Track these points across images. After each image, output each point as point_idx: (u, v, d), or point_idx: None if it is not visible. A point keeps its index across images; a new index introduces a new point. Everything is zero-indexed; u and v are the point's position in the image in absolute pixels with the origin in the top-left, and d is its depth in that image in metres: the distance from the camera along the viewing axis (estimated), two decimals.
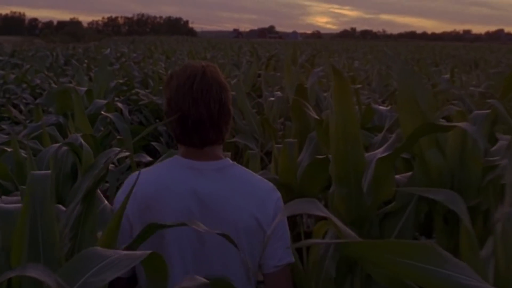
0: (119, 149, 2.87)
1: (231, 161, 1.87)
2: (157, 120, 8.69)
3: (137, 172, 1.64)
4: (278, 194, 1.85)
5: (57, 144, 3.06)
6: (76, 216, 1.56)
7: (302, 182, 3.14)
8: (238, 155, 5.60)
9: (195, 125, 1.76)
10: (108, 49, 6.07)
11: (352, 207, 2.33)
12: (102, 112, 5.00)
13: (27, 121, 5.76)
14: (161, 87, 8.88)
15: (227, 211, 1.76)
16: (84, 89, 5.46)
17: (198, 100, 1.75)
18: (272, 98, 5.96)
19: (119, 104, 6.60)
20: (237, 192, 1.79)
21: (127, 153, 3.31)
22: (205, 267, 1.75)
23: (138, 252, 1.15)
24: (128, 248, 1.37)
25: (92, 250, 1.16)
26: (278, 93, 6.45)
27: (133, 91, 8.52)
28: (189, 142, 1.81)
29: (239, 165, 1.88)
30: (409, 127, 2.36)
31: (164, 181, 1.79)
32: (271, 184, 1.88)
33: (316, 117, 3.50)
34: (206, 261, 1.76)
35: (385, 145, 2.45)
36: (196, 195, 1.75)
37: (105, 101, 5.25)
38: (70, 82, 8.25)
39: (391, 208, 2.36)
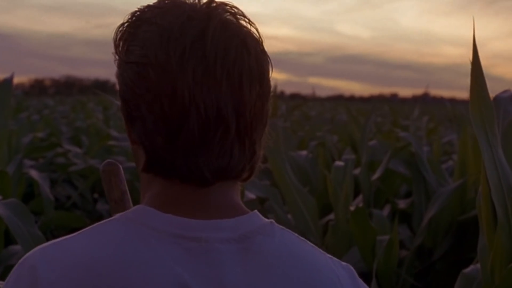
0: None
1: (262, 217, 0.85)
2: (96, 195, 5.75)
3: (42, 246, 0.79)
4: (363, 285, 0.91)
5: None
6: None
7: None
8: None
9: (204, 128, 0.77)
10: (13, 73, 3.87)
11: None
12: None
13: None
14: (100, 146, 6.15)
15: None
16: None
17: (216, 71, 0.77)
18: (340, 163, 3.34)
19: (34, 173, 3.92)
20: None
21: None
22: None
23: None
24: None
25: None
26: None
27: (60, 152, 5.70)
28: (185, 168, 0.79)
29: (280, 227, 0.86)
30: None
31: (121, 267, 0.76)
32: (347, 265, 0.89)
33: None
34: None
35: None
36: None
37: None
38: None
39: None
